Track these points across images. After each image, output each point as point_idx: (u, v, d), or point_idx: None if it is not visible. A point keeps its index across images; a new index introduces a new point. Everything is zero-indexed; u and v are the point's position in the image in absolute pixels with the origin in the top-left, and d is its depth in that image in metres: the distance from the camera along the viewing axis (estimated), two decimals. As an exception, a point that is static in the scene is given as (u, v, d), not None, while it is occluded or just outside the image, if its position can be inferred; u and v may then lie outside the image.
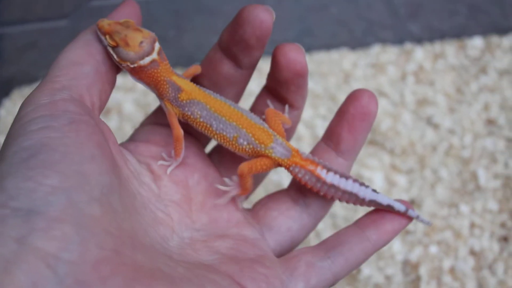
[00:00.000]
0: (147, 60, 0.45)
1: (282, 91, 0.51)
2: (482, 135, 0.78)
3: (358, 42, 0.88)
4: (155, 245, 0.42)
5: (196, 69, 0.50)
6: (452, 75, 0.84)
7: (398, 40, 0.88)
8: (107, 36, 0.44)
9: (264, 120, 0.49)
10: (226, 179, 0.48)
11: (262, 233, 0.48)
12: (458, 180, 0.75)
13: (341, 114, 0.49)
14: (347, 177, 0.47)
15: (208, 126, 0.47)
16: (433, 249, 0.70)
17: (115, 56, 0.45)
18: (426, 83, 0.84)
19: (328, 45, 0.88)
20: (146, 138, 0.50)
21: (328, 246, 0.47)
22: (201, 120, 0.46)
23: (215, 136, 0.47)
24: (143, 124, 0.52)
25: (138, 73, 0.46)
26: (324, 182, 0.46)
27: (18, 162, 0.37)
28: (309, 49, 0.88)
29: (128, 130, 0.82)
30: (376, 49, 0.88)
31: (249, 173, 0.47)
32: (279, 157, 0.46)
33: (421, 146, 0.78)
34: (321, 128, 0.80)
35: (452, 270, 0.69)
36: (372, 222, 0.48)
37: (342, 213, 0.73)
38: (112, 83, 0.46)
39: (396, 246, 0.70)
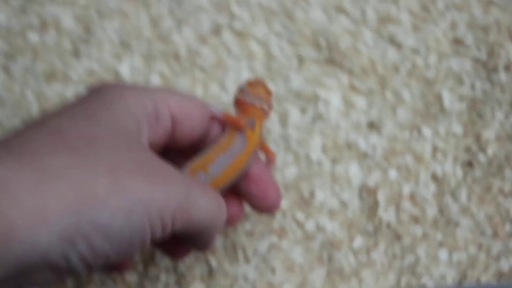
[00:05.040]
0: None
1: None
2: (448, 55, 0.73)
3: (318, -44, 0.82)
4: None
5: None
6: (417, -7, 0.78)
7: (361, -46, 0.82)
8: None
9: None
10: None
11: None
12: (421, 102, 0.70)
13: None
14: None
15: None
16: (392, 173, 0.65)
17: None
18: (389, 0, 0.78)
19: (285, -42, 0.81)
20: None
21: None
22: None
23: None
24: None
25: None
26: None
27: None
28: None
29: (67, 47, 0.75)
30: (336, -37, 0.81)
31: None
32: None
33: (382, 66, 0.72)
34: (275, 46, 0.74)
35: (412, 196, 0.64)
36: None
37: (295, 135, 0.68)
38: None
39: (353, 169, 0.65)
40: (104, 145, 0.39)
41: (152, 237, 0.41)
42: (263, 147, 0.55)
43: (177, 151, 0.55)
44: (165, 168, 0.42)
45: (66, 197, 0.36)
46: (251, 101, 0.52)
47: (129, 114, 0.43)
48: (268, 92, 0.54)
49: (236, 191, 0.54)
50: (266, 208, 0.54)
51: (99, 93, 0.44)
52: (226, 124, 0.52)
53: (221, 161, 0.50)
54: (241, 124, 0.51)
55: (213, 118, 0.52)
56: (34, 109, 0.70)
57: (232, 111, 0.66)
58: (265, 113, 0.53)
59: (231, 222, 0.54)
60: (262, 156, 0.56)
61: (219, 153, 0.50)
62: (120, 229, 0.37)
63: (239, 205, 0.54)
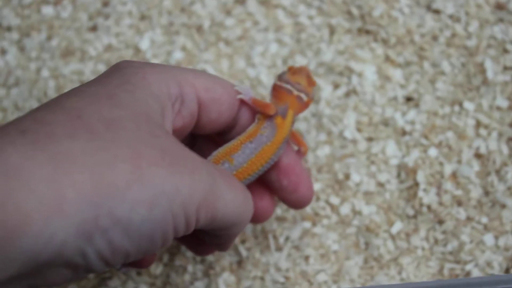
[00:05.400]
0: None
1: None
2: (490, 22, 0.68)
3: None
4: None
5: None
6: (455, -45, 0.73)
7: None
8: None
9: None
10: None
11: None
12: (462, 73, 0.65)
13: None
14: None
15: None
16: (433, 152, 0.61)
17: None
18: (425, -36, 0.73)
19: None
20: None
21: None
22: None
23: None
24: None
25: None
26: None
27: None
28: None
29: (84, 21, 0.71)
30: None
31: None
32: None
33: (419, 35, 0.68)
34: (304, 16, 0.69)
35: (455, 176, 0.60)
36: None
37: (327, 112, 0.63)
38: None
39: (390, 149, 0.61)
40: (125, 128, 0.36)
41: (175, 233, 0.37)
42: (295, 137, 0.51)
43: (203, 139, 0.51)
44: (190, 156, 0.38)
45: (83, 187, 0.32)
46: (287, 88, 0.48)
47: (152, 96, 0.40)
48: (311, 83, 0.49)
49: (265, 182, 0.50)
50: (297, 201, 0.50)
51: (119, 72, 0.40)
52: (256, 111, 0.48)
53: (246, 151, 0.46)
54: (270, 111, 0.47)
55: (242, 103, 0.48)
56: (50, 88, 0.67)
57: (260, 88, 0.62)
58: (302, 104, 0.48)
59: (260, 219, 0.50)
60: (294, 146, 0.52)
61: (245, 142, 0.46)
62: (141, 224, 0.34)
63: (269, 199, 0.51)
